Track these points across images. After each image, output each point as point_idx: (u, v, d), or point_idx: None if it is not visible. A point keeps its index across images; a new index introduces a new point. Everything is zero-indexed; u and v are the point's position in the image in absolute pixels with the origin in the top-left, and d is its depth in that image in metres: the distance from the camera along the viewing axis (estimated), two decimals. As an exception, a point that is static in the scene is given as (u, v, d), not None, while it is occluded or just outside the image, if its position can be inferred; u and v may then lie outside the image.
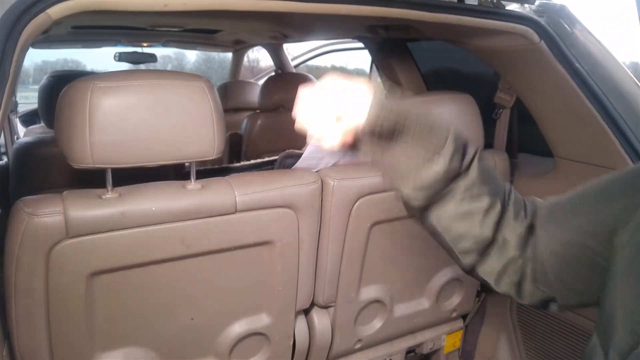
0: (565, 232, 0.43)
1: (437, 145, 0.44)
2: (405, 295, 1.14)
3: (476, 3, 0.94)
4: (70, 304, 0.75)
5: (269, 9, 0.72)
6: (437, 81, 1.66)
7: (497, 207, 0.45)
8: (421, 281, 1.15)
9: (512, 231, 0.45)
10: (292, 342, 1.02)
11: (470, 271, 0.47)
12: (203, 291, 0.87)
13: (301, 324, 1.02)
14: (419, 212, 0.46)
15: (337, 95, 0.45)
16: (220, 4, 0.69)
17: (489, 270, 0.45)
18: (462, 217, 0.45)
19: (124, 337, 0.83)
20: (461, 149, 0.46)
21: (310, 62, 3.04)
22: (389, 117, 0.44)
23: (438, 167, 0.44)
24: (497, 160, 1.11)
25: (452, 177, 0.45)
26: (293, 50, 2.87)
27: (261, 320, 0.95)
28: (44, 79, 1.28)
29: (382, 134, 0.45)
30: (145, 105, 0.71)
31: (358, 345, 1.12)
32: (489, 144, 1.25)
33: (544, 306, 0.46)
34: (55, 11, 0.57)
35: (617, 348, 0.33)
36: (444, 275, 1.17)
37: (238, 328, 0.93)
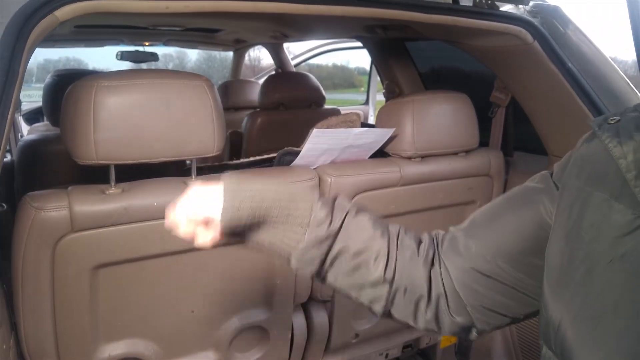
0: (469, 261, 0.44)
1: (305, 218, 0.44)
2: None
3: (471, 4, 0.96)
4: (75, 295, 0.77)
5: (267, 10, 0.74)
6: (434, 80, 1.68)
7: (385, 251, 0.45)
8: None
9: (412, 272, 0.45)
10: (290, 336, 1.04)
11: (388, 316, 0.47)
12: (203, 285, 0.89)
13: (299, 317, 1.05)
14: (316, 277, 0.47)
15: (191, 202, 0.46)
16: (220, 6, 0.71)
17: (403, 313, 0.46)
18: (353, 272, 0.45)
19: (126, 328, 0.85)
20: (333, 210, 0.45)
21: (311, 61, 3.06)
22: (245, 205, 0.43)
23: (311, 237, 0.44)
24: (492, 159, 1.13)
25: (329, 242, 0.44)
26: (294, 49, 2.89)
27: (260, 314, 0.98)
28: (48, 78, 1.30)
29: (245, 225, 0.44)
30: (148, 104, 0.74)
31: (355, 339, 1.14)
32: (485, 143, 1.27)
33: (465, 334, 0.47)
34: (62, 13, 0.59)
35: None
36: (440, 271, 1.19)
37: (237, 321, 0.95)
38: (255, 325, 0.97)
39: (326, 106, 1.91)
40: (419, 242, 0.48)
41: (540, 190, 0.43)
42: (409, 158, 1.03)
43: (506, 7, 1.02)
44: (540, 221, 0.42)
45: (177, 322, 0.89)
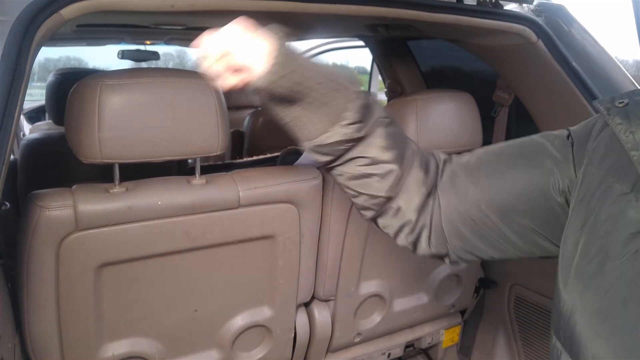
0: (463, 204, 0.45)
1: (337, 113, 0.43)
2: (405, 290, 1.16)
3: (475, 3, 0.96)
4: (79, 294, 0.77)
5: (272, 9, 0.74)
6: (437, 79, 1.68)
7: (396, 172, 0.46)
8: (420, 276, 1.17)
9: (409, 198, 0.46)
10: (293, 335, 1.04)
11: (372, 221, 0.48)
12: (206, 284, 0.89)
13: (302, 317, 1.05)
14: (322, 166, 0.47)
15: (239, 42, 0.41)
16: (226, 4, 0.71)
17: (386, 226, 0.48)
18: (360, 178, 0.46)
19: (129, 327, 0.85)
20: (365, 116, 0.44)
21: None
22: (290, 77, 0.41)
23: (337, 135, 0.43)
24: (495, 158, 1.13)
25: (353, 142, 0.44)
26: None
27: (263, 313, 0.98)
28: (50, 76, 1.30)
29: (281, 94, 0.42)
30: (152, 102, 0.74)
31: (358, 339, 1.14)
32: (488, 142, 1.27)
33: (437, 259, 0.49)
34: (68, 11, 0.59)
35: None
36: (443, 271, 1.19)
37: (240, 320, 0.95)
38: (258, 325, 0.97)
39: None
40: (427, 170, 0.47)
41: (556, 160, 0.42)
42: (412, 157, 1.03)
43: (510, 6, 1.02)
44: (545, 191, 0.41)
45: (180, 321, 0.89)
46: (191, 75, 0.78)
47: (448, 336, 1.33)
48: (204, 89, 0.77)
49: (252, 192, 0.85)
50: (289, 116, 0.45)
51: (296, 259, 0.96)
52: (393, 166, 0.46)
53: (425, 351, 1.40)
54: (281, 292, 0.97)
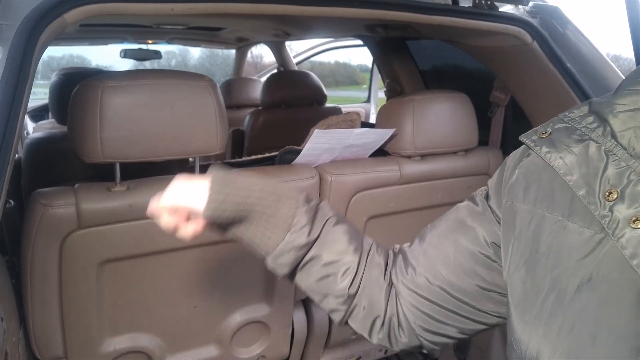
0: (412, 284, 0.45)
1: (286, 222, 0.45)
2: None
3: (470, 5, 0.97)
4: (82, 290, 0.79)
5: (269, 11, 0.75)
6: (435, 79, 1.69)
7: (354, 268, 0.46)
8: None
9: (373, 292, 0.46)
10: (290, 331, 1.06)
11: (345, 325, 0.48)
12: (206, 281, 0.91)
13: (299, 313, 1.07)
14: (285, 277, 0.48)
15: (180, 195, 0.45)
16: (224, 8, 0.73)
17: (359, 327, 0.47)
18: (321, 280, 0.46)
19: (130, 322, 0.87)
20: (313, 218, 0.46)
21: (313, 58, 3.06)
22: (230, 199, 0.44)
23: (290, 243, 0.45)
24: (491, 158, 1.14)
25: (307, 246, 0.45)
26: (296, 47, 2.90)
27: (261, 310, 1.00)
28: (54, 76, 1.32)
29: (229, 217, 0.44)
30: (152, 104, 0.75)
31: (354, 335, 1.16)
32: (485, 141, 1.28)
33: (417, 350, 0.48)
34: (70, 15, 0.61)
35: None
36: (439, 268, 1.20)
37: (239, 317, 0.97)
38: (256, 321, 0.99)
39: (328, 104, 1.92)
40: (386, 263, 0.48)
41: (476, 214, 0.43)
42: (409, 157, 1.04)
43: (506, 7, 1.03)
44: (473, 247, 0.42)
45: (180, 317, 0.91)
46: (191, 77, 0.80)
47: (444, 333, 1.34)
48: (204, 90, 0.79)
49: (250, 191, 0.87)
50: (246, 236, 0.46)
51: (294, 257, 0.98)
52: (350, 262, 0.46)
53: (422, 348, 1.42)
54: (279, 289, 0.99)
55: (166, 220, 0.46)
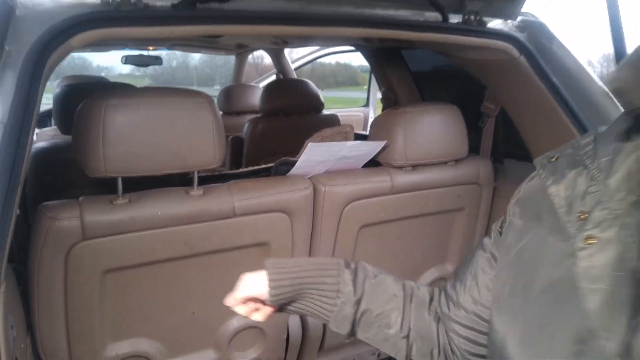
0: (455, 316, 0.50)
1: (334, 290, 0.53)
2: (394, 293, 1.21)
3: (460, 21, 1.00)
4: (86, 298, 0.83)
5: (265, 32, 0.79)
6: (430, 87, 1.72)
7: (400, 310, 0.53)
8: (408, 279, 1.22)
9: (423, 327, 0.52)
10: (286, 336, 1.09)
11: None
12: (204, 288, 0.95)
13: (295, 319, 1.10)
14: (350, 335, 0.55)
15: (247, 290, 0.56)
16: (222, 30, 0.76)
17: None
18: (377, 330, 0.53)
19: (132, 328, 0.91)
20: (355, 280, 0.54)
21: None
22: (286, 282, 0.53)
23: (342, 306, 0.52)
24: (481, 168, 1.17)
25: (355, 307, 0.53)
26: (300, 50, 2.91)
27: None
28: (58, 88, 1.36)
29: (290, 297, 0.54)
30: (153, 121, 0.79)
31: (348, 340, 1.19)
32: (476, 150, 1.31)
33: None
34: (75, 40, 0.65)
35: None
36: (430, 275, 1.24)
37: (236, 322, 1.01)
38: (252, 326, 1.03)
39: (325, 111, 1.96)
40: (430, 299, 0.54)
41: (492, 245, 0.48)
42: (400, 167, 1.07)
43: (495, 22, 1.07)
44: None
45: (179, 323, 0.95)
46: (189, 95, 0.84)
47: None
48: (201, 106, 0.83)
49: (247, 202, 0.90)
50: (307, 310, 0.55)
51: (289, 264, 1.01)
52: (395, 307, 0.53)
53: (415, 351, 1.45)
54: (275, 296, 1.02)
55: (241, 309, 0.56)
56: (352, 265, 0.56)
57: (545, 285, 0.36)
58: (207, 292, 0.95)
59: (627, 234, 0.32)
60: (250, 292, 0.55)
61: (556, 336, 0.34)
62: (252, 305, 0.56)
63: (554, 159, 0.41)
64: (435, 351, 0.52)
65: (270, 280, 0.53)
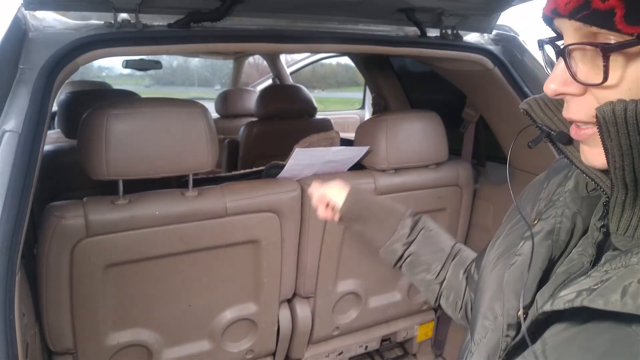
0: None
1: (393, 229, 0.63)
2: (379, 288, 1.28)
3: (438, 35, 1.07)
4: (89, 291, 0.91)
5: (255, 50, 0.86)
6: (418, 93, 1.79)
7: (440, 265, 0.62)
8: (393, 276, 1.29)
9: (455, 284, 0.60)
10: (276, 328, 1.16)
11: (440, 307, 0.64)
12: (198, 282, 1.02)
13: (285, 312, 1.17)
14: (393, 267, 0.65)
15: (330, 192, 0.69)
16: (214, 47, 0.84)
17: (445, 307, 0.62)
18: (418, 271, 0.63)
19: (132, 319, 0.98)
20: (412, 228, 0.63)
21: (314, 59, 3.10)
22: (357, 205, 0.66)
23: (395, 242, 0.63)
24: (461, 171, 1.24)
25: (405, 247, 0.63)
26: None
27: (249, 308, 1.10)
28: (62, 95, 1.43)
29: (355, 215, 0.65)
30: (151, 128, 0.87)
31: (336, 332, 1.26)
32: (458, 153, 1.38)
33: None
34: (82, 59, 0.72)
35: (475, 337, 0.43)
36: (414, 271, 1.31)
37: (229, 314, 1.08)
38: (245, 318, 1.10)
39: (324, 113, 2.02)
40: (469, 263, 0.63)
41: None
42: (383, 171, 1.15)
43: (472, 35, 1.14)
44: None
45: (175, 315, 1.02)
46: (185, 105, 0.91)
47: (422, 331, 1.45)
48: (196, 116, 0.90)
49: (238, 203, 0.98)
50: (364, 231, 0.66)
51: (278, 261, 1.08)
52: (438, 259, 0.62)
53: (401, 345, 1.52)
54: (265, 290, 1.10)
55: (316, 203, 0.70)
56: (417, 217, 0.66)
57: (508, 253, 0.45)
58: (201, 285, 1.02)
59: (558, 221, 0.40)
60: (331, 196, 0.67)
61: (500, 291, 0.42)
62: (326, 204, 0.67)
63: (562, 157, 0.47)
64: (459, 303, 0.60)
65: (347, 198, 0.65)
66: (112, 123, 0.83)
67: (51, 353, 0.94)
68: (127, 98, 1.26)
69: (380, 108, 1.80)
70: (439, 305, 0.63)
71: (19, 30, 0.71)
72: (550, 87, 0.33)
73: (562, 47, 0.32)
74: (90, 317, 0.93)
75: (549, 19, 0.34)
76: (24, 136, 0.65)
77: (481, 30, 1.12)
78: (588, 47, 0.30)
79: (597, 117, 0.30)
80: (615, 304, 0.28)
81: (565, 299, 0.31)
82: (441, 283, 0.61)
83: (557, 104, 0.39)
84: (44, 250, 0.85)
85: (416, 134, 1.16)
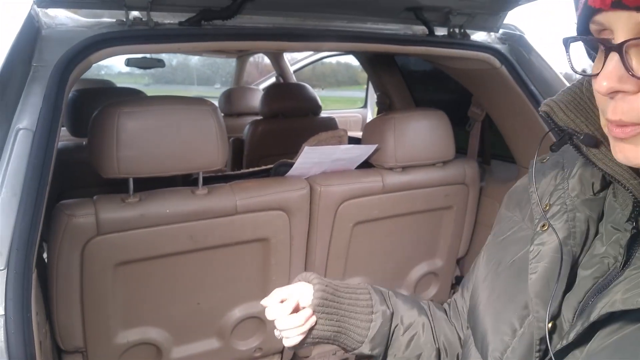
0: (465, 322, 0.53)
1: (368, 308, 0.54)
2: (386, 285, 1.24)
3: (445, 33, 1.08)
4: (100, 289, 0.91)
5: (264, 48, 0.87)
6: (423, 92, 1.80)
7: (428, 323, 0.55)
8: (400, 274, 1.30)
9: (447, 335, 0.56)
10: (284, 326, 1.17)
11: None
12: (208, 280, 1.02)
13: (292, 309, 1.18)
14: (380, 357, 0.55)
15: (290, 289, 0.54)
16: (224, 45, 0.84)
17: None
18: (408, 343, 0.55)
19: (141, 317, 0.99)
20: (383, 299, 0.55)
21: (314, 58, 3.10)
22: (329, 290, 0.53)
23: (375, 323, 0.53)
24: (467, 169, 1.25)
25: (389, 322, 0.54)
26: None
27: (258, 306, 1.09)
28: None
29: (327, 308, 0.52)
30: (162, 126, 0.87)
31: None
32: (464, 151, 1.39)
33: None
34: (95, 57, 0.72)
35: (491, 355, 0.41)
36: (421, 269, 1.31)
37: (237, 312, 1.09)
38: (253, 316, 1.10)
39: (324, 114, 2.03)
40: (446, 311, 0.59)
41: (486, 245, 0.53)
42: (391, 169, 1.15)
43: (479, 34, 1.15)
44: None
45: (185, 313, 1.02)
46: (195, 102, 0.91)
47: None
48: (206, 114, 0.90)
49: (248, 201, 0.98)
50: (341, 327, 0.53)
51: (287, 259, 1.09)
52: (423, 319, 0.55)
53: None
54: (274, 287, 1.08)
55: (273, 308, 0.52)
56: (376, 288, 0.57)
57: (510, 262, 0.44)
58: (211, 284, 1.03)
59: (572, 225, 0.40)
60: (296, 292, 0.53)
61: (513, 302, 0.41)
62: (289, 307, 0.51)
63: (545, 161, 0.47)
64: (460, 355, 0.56)
65: (317, 287, 0.52)
66: (124, 121, 0.83)
67: (61, 351, 0.94)
68: (135, 96, 1.26)
69: (385, 106, 1.80)
70: None
71: (32, 28, 0.71)
72: (603, 84, 0.31)
73: (614, 43, 0.31)
74: (100, 315, 0.93)
75: (592, 12, 0.32)
76: (38, 134, 0.65)
77: (488, 29, 1.13)
78: None
79: None
80: None
81: (603, 309, 0.31)
82: (437, 346, 0.54)
83: (579, 105, 0.39)
84: (55, 249, 0.85)
85: (424, 132, 1.16)
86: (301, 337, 0.52)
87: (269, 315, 0.53)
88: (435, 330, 0.55)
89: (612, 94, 0.32)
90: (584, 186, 0.41)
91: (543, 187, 0.44)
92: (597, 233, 0.40)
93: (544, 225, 0.41)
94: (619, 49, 0.30)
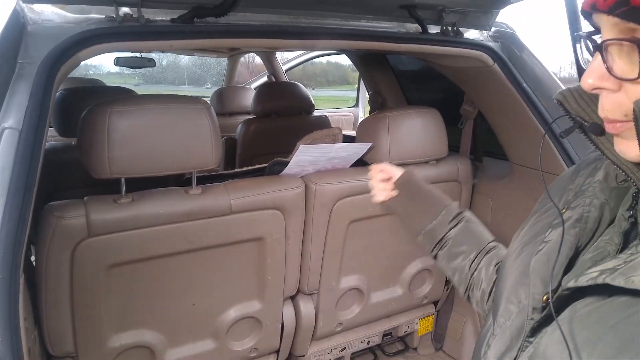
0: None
1: (437, 214, 0.66)
2: (381, 283, 1.29)
3: (438, 31, 1.08)
4: (91, 292, 0.89)
5: (258, 46, 0.85)
6: (415, 90, 1.81)
7: (473, 257, 0.63)
8: (394, 271, 1.30)
9: (485, 275, 0.61)
10: (280, 325, 1.16)
11: (467, 300, 0.64)
12: (203, 281, 1.01)
13: (288, 309, 1.17)
14: (429, 253, 0.66)
15: (387, 165, 0.75)
16: (218, 43, 0.82)
17: (474, 300, 0.62)
18: (451, 259, 0.64)
19: (135, 320, 0.97)
20: (454, 214, 0.66)
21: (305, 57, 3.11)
22: (409, 185, 0.70)
23: (438, 224, 0.65)
24: (460, 166, 1.26)
25: (443, 233, 0.65)
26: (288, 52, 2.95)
27: (253, 306, 1.10)
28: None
29: (407, 193, 0.70)
30: (155, 126, 0.85)
31: (339, 328, 1.27)
32: (456, 149, 1.40)
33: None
34: (83, 54, 0.70)
35: (500, 320, 0.44)
36: (415, 266, 1.32)
37: (233, 313, 1.07)
38: (249, 316, 1.09)
39: (315, 113, 2.02)
40: (501, 258, 0.62)
41: None
42: (385, 167, 1.15)
43: (472, 32, 1.15)
44: None
45: (179, 314, 1.01)
46: (188, 101, 0.90)
47: (423, 325, 1.46)
48: (200, 113, 0.89)
49: (242, 200, 0.97)
50: (407, 213, 0.69)
51: (282, 258, 1.08)
52: (472, 250, 0.63)
53: (402, 339, 1.54)
54: (269, 287, 1.09)
55: (374, 174, 0.74)
56: (462, 209, 0.69)
57: (530, 240, 0.46)
58: (206, 284, 1.01)
59: (586, 210, 0.41)
60: (391, 168, 0.72)
61: (527, 277, 0.43)
62: (382, 176, 0.72)
63: (590, 152, 0.48)
64: (487, 296, 0.60)
65: (405, 172, 0.71)
66: (115, 120, 0.81)
67: (50, 357, 0.92)
68: (126, 95, 1.24)
69: (378, 105, 1.80)
70: (468, 297, 0.63)
71: (18, 24, 0.69)
72: (588, 81, 0.33)
73: (599, 42, 0.33)
74: (91, 319, 0.91)
75: (587, 14, 0.34)
76: (24, 133, 0.63)
77: (480, 27, 1.14)
78: (625, 42, 0.31)
79: (634, 110, 0.31)
80: (636, 282, 0.29)
81: (589, 276, 0.33)
82: (472, 273, 0.62)
83: (592, 95, 0.40)
84: (43, 251, 0.82)
85: (417, 130, 1.17)
86: (385, 197, 0.71)
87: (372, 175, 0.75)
88: (479, 265, 0.62)
89: (596, 90, 0.33)
90: (609, 175, 0.43)
91: (583, 176, 0.46)
92: (613, 221, 0.41)
93: (565, 209, 0.44)
94: (599, 48, 0.32)
